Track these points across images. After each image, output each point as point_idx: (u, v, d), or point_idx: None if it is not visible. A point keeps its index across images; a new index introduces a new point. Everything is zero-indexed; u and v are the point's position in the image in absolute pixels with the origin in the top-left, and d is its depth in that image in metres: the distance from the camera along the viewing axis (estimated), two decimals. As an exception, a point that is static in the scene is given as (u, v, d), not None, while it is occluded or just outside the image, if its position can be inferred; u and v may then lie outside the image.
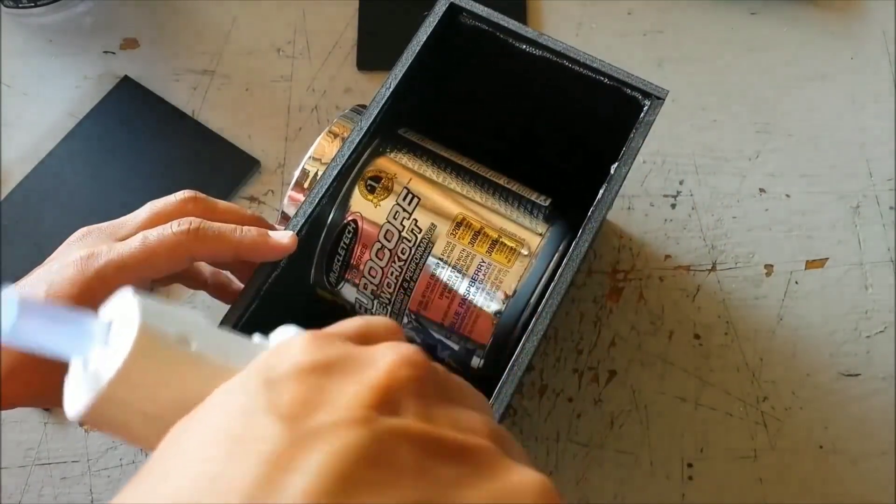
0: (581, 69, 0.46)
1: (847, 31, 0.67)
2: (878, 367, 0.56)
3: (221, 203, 0.42)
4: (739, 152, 0.62)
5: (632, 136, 0.45)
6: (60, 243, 0.39)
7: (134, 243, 0.38)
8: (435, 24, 0.47)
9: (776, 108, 0.64)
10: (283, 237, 0.41)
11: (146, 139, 0.60)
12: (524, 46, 0.47)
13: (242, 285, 0.42)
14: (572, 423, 0.53)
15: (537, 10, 0.66)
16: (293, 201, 0.46)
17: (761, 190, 0.61)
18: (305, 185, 0.45)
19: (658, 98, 0.46)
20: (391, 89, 0.45)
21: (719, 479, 0.52)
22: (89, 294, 0.36)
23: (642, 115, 0.46)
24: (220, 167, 0.59)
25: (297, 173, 0.47)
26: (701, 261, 0.58)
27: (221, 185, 0.58)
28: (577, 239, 0.42)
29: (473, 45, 0.47)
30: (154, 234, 0.38)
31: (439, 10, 0.48)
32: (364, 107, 0.47)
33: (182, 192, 0.41)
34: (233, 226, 0.40)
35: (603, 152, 0.44)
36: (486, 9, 0.48)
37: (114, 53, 0.64)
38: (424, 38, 0.47)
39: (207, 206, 0.41)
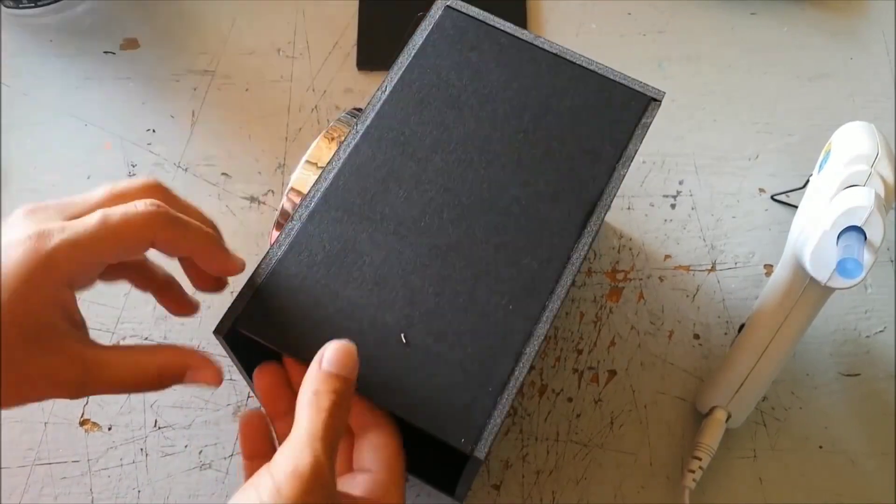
0: (578, 72, 0.46)
1: (847, 31, 0.67)
2: (878, 367, 0.56)
3: (183, 199, 0.40)
4: (739, 152, 0.62)
5: (630, 138, 0.45)
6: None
7: (92, 221, 0.35)
8: (431, 26, 0.47)
9: (776, 108, 0.64)
10: (238, 260, 0.41)
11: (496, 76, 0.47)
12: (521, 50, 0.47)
13: (191, 299, 0.43)
14: (572, 423, 0.53)
15: (538, 11, 0.66)
16: (285, 212, 0.46)
17: (761, 190, 0.61)
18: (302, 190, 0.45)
19: (655, 100, 0.46)
20: (387, 92, 0.45)
21: (719, 480, 0.52)
22: (41, 277, 0.34)
23: (640, 117, 0.46)
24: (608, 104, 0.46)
25: (293, 177, 0.47)
26: (701, 261, 0.58)
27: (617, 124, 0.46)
28: (577, 239, 0.42)
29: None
30: (117, 211, 0.36)
31: (435, 12, 0.48)
32: (360, 110, 0.47)
33: (144, 177, 0.39)
34: (195, 221, 0.39)
35: (601, 155, 0.44)
36: (482, 12, 0.48)
37: (114, 54, 0.64)
38: (421, 42, 0.47)
39: (170, 196, 0.39)
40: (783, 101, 0.64)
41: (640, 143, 0.45)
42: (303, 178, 0.46)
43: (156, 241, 0.37)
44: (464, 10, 0.47)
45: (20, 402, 0.35)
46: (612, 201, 0.44)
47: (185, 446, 0.52)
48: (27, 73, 0.63)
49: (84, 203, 0.37)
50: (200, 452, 0.52)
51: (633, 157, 0.45)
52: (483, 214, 0.42)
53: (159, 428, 0.52)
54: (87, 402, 0.53)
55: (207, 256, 0.39)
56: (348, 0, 0.66)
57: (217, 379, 0.39)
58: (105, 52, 0.64)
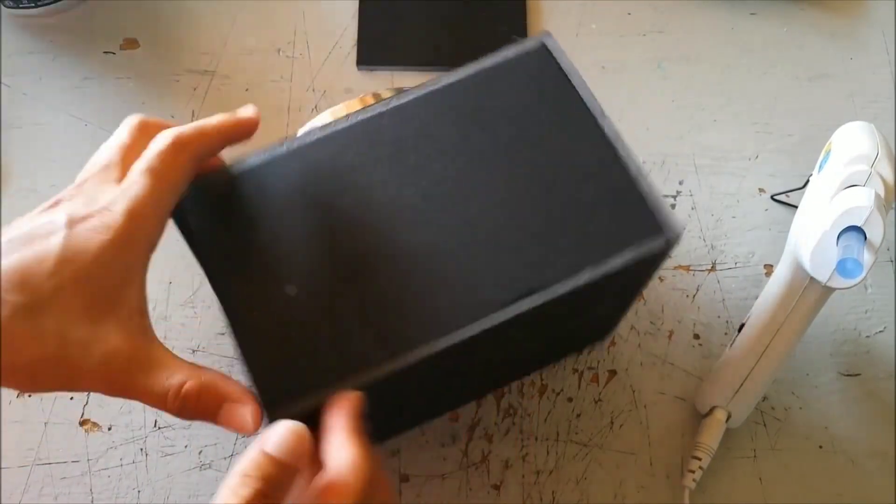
0: (619, 175, 0.41)
1: (847, 31, 0.67)
2: (878, 367, 0.56)
3: (163, 122, 0.39)
4: (739, 152, 0.62)
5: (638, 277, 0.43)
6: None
7: (140, 180, 0.35)
8: (515, 54, 0.43)
9: (776, 108, 0.64)
10: (250, 110, 0.40)
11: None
12: None
13: None
14: (572, 423, 0.53)
15: (537, 10, 0.66)
16: None
17: (761, 190, 0.61)
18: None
19: (670, 241, 0.40)
20: (427, 91, 0.43)
21: (719, 480, 0.52)
22: (124, 242, 0.34)
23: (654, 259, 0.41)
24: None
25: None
26: (700, 261, 0.58)
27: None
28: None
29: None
30: (152, 159, 0.36)
31: (528, 44, 0.44)
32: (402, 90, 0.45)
33: (126, 122, 0.38)
34: (201, 121, 0.38)
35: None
36: (571, 65, 0.43)
37: (114, 54, 0.64)
38: (491, 64, 0.43)
39: (157, 123, 0.39)
40: (783, 101, 0.64)
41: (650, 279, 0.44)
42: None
43: (189, 158, 0.37)
44: (556, 54, 0.43)
45: (55, 384, 0.34)
46: None
47: (185, 446, 0.52)
48: (27, 72, 0.63)
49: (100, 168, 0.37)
50: (200, 452, 0.52)
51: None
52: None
53: (159, 428, 0.52)
54: (87, 402, 0.53)
55: (236, 131, 0.39)
56: (348, 0, 0.66)
57: (253, 426, 0.35)
58: (105, 52, 0.64)
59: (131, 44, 0.64)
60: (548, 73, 0.43)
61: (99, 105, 0.62)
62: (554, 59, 0.43)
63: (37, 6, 0.63)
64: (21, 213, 0.35)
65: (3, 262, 0.33)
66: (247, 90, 0.63)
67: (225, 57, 0.64)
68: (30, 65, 0.63)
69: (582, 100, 0.42)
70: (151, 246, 0.36)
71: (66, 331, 0.33)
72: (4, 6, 0.64)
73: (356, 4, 0.66)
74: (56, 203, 0.35)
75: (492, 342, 0.41)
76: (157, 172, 0.36)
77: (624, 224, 0.39)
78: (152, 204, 0.35)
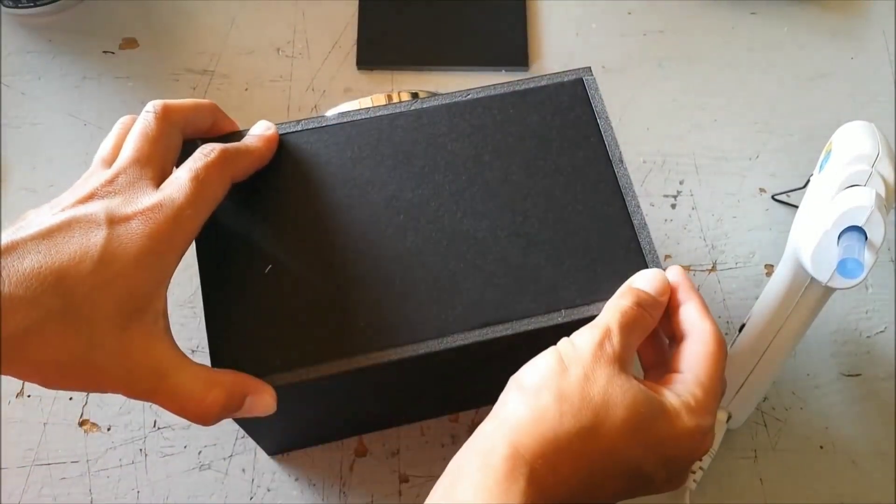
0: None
1: (847, 30, 0.67)
2: (879, 367, 0.56)
3: (184, 103, 0.39)
4: (740, 152, 0.62)
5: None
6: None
7: (187, 184, 0.35)
8: (551, 83, 0.44)
9: (776, 108, 0.64)
10: (270, 128, 0.41)
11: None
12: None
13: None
14: (572, 424, 0.53)
15: (537, 10, 0.66)
16: None
17: (761, 190, 0.61)
18: None
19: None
20: (457, 100, 0.43)
21: (720, 480, 0.52)
22: (160, 249, 0.34)
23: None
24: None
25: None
26: (701, 261, 0.58)
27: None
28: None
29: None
30: (199, 168, 0.36)
31: (566, 76, 0.44)
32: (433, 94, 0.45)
33: (149, 108, 0.37)
34: (242, 143, 0.39)
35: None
36: (603, 107, 0.43)
37: (113, 53, 0.64)
38: (526, 88, 0.43)
39: (177, 113, 0.38)
40: (783, 101, 0.64)
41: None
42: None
43: (231, 175, 0.38)
44: (590, 92, 0.43)
45: (79, 384, 0.34)
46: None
47: (185, 447, 0.52)
48: (26, 72, 0.63)
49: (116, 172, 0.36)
50: (200, 453, 0.52)
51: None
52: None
53: (158, 428, 0.52)
54: (86, 403, 0.53)
55: (269, 154, 0.41)
56: (348, 0, 0.66)
57: (273, 405, 0.37)
58: (104, 52, 0.64)
59: (130, 43, 0.64)
60: (577, 110, 0.43)
61: (98, 105, 0.62)
62: (587, 96, 0.43)
63: (36, 5, 0.63)
64: (21, 213, 0.35)
65: (39, 260, 0.32)
66: (246, 90, 0.63)
67: (224, 56, 0.64)
68: (29, 64, 0.63)
69: (604, 142, 0.42)
70: (183, 253, 0.36)
71: (95, 335, 0.32)
72: (3, 5, 0.64)
73: (356, 4, 0.66)
74: (90, 196, 0.34)
75: (450, 363, 0.40)
76: (203, 182, 0.35)
77: (615, 274, 0.39)
78: (193, 214, 0.35)
